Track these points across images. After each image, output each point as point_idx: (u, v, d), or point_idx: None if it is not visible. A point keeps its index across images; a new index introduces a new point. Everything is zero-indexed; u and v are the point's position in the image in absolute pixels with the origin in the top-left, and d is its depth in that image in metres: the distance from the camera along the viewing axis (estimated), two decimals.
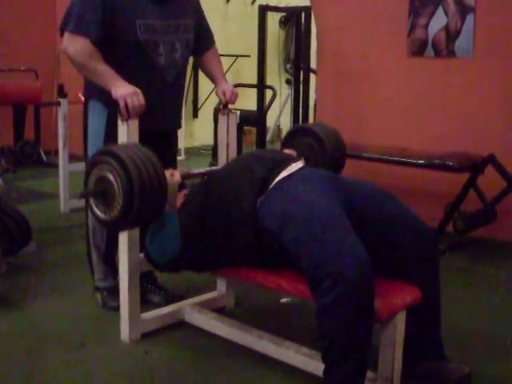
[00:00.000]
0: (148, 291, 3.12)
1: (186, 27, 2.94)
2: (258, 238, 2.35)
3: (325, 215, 2.18)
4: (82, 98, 5.08)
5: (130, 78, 2.70)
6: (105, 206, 2.31)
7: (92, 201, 2.37)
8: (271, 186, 2.38)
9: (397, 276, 2.36)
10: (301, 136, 2.99)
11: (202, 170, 2.98)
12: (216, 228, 2.46)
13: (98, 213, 2.35)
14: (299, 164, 2.52)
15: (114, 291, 3.00)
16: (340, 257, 2.03)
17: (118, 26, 2.75)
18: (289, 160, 2.54)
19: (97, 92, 2.82)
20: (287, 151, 2.90)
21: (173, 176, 2.51)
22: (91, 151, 2.83)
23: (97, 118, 2.91)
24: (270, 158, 2.52)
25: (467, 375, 2.40)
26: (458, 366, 2.41)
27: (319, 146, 2.92)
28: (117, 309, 2.87)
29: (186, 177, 2.71)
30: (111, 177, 2.25)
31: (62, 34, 2.78)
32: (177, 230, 2.48)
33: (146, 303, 3.00)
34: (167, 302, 3.02)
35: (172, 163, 3.11)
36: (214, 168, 2.93)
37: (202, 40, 3.11)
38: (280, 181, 2.40)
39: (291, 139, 3.02)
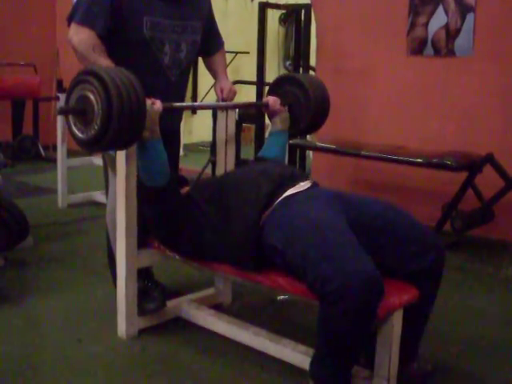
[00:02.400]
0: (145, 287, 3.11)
1: (194, 29, 2.93)
2: (260, 253, 2.35)
3: (332, 231, 2.17)
4: None
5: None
6: (83, 125, 2.34)
7: (71, 119, 2.40)
8: (277, 202, 2.37)
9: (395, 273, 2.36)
10: (286, 84, 3.03)
11: (185, 104, 3.01)
12: (215, 235, 2.47)
13: (76, 131, 2.38)
14: (307, 184, 2.51)
15: (144, 292, 2.95)
16: (348, 271, 2.01)
17: (124, 21, 2.73)
18: (296, 177, 2.52)
19: None
20: (271, 98, 2.95)
21: (154, 104, 2.53)
22: None
23: None
24: (278, 174, 2.50)
25: (429, 374, 2.44)
26: (421, 365, 2.45)
27: (304, 95, 2.95)
28: (153, 310, 2.88)
29: (169, 108, 2.72)
30: (92, 96, 2.28)
31: (68, 24, 2.77)
32: (163, 156, 2.55)
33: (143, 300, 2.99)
34: (164, 299, 3.01)
35: (175, 160, 3.11)
36: (196, 103, 2.95)
37: (210, 43, 3.10)
38: (286, 197, 2.39)
39: (277, 87, 3.06)
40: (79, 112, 2.34)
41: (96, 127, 2.28)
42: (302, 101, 2.96)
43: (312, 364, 2.22)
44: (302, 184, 2.48)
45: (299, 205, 2.34)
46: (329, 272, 2.03)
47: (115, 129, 2.26)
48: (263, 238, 2.32)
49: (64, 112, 2.41)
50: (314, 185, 2.55)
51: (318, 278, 2.06)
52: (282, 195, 2.39)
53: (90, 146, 2.39)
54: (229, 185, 2.56)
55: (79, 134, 2.37)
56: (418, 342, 2.46)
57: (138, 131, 2.39)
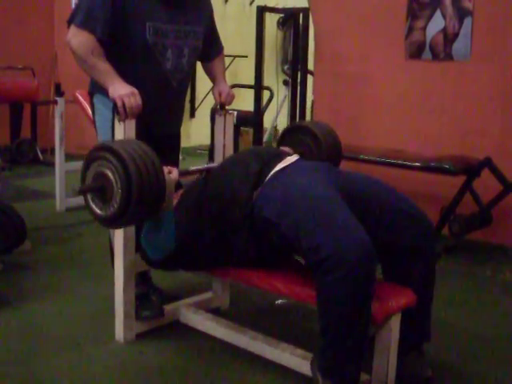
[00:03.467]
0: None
1: (196, 34, 2.92)
2: (255, 231, 2.35)
3: (324, 200, 2.19)
4: (79, 97, 5.14)
5: (135, 80, 2.68)
6: (102, 202, 2.30)
7: (89, 195, 2.36)
8: (267, 178, 2.38)
9: (391, 268, 2.39)
10: (297, 133, 2.98)
11: (200, 166, 2.96)
12: (212, 227, 2.46)
13: (95, 208, 2.34)
14: (294, 157, 2.53)
15: (143, 298, 2.95)
16: (342, 238, 2.04)
17: (127, 27, 2.73)
18: (284, 154, 2.56)
19: (101, 86, 2.79)
20: (284, 149, 2.91)
21: (171, 173, 2.51)
22: None
23: (103, 110, 2.87)
24: (265, 152, 2.53)
25: (429, 379, 2.43)
26: (422, 370, 2.44)
27: (315, 145, 2.91)
28: (149, 318, 2.87)
29: (184, 174, 2.70)
30: (110, 174, 2.24)
31: (68, 26, 2.76)
32: (172, 228, 2.48)
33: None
34: (162, 303, 3.01)
35: (174, 166, 3.10)
36: (211, 165, 2.92)
37: (211, 48, 3.10)
38: (276, 172, 2.40)
39: (288, 136, 3.02)
40: (97, 190, 2.30)
41: (116, 205, 2.25)
42: (314, 150, 2.91)
43: (317, 357, 2.20)
44: (289, 158, 2.50)
45: (289, 177, 2.36)
46: (323, 239, 2.05)
47: (135, 206, 2.23)
48: (256, 214, 2.32)
49: (83, 192, 2.36)
50: (301, 158, 2.58)
51: (312, 246, 2.07)
52: (271, 171, 2.40)
53: (110, 224, 2.37)
54: (219, 173, 2.56)
55: (98, 211, 2.33)
56: (422, 327, 2.46)
57: (159, 205, 2.35)
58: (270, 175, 2.40)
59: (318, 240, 2.06)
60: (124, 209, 2.23)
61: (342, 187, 2.34)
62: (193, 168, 2.82)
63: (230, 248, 2.45)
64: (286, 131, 3.07)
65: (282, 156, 2.51)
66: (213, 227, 2.46)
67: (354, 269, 2.00)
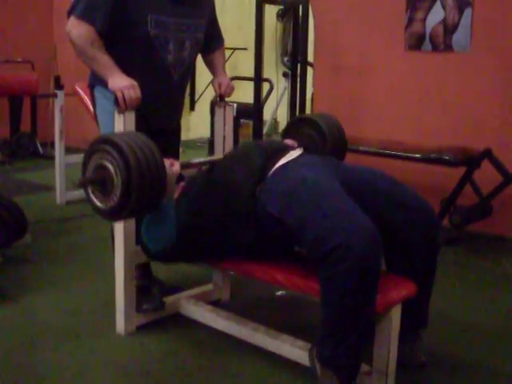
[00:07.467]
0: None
1: (198, 27, 2.91)
2: (258, 226, 2.34)
3: (328, 192, 2.19)
4: (79, 90, 5.13)
5: (136, 73, 2.67)
6: (102, 194, 2.29)
7: (89, 188, 2.34)
8: (270, 173, 2.38)
9: (393, 257, 2.39)
10: (302, 126, 2.95)
11: (202, 159, 2.95)
12: (214, 219, 2.46)
13: (95, 201, 2.33)
14: (298, 151, 2.53)
15: (144, 291, 2.95)
16: (349, 228, 2.03)
17: (128, 19, 2.71)
18: (287, 148, 2.55)
19: (102, 78, 2.77)
20: (288, 141, 2.89)
21: (172, 166, 2.51)
22: None
23: (105, 102, 2.85)
24: (268, 146, 2.53)
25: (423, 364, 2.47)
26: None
27: (320, 138, 2.89)
28: (150, 310, 2.87)
29: (186, 166, 2.69)
30: (110, 166, 2.22)
31: (68, 17, 2.74)
32: (172, 220, 2.48)
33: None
34: (162, 295, 3.01)
35: (175, 158, 3.10)
36: (213, 158, 2.91)
37: (212, 40, 3.10)
38: (279, 167, 2.40)
39: (292, 129, 2.99)
40: (98, 182, 2.28)
41: (116, 198, 2.23)
42: (319, 143, 2.88)
43: (317, 345, 2.20)
44: (292, 152, 2.50)
45: (292, 171, 2.35)
46: (330, 229, 2.05)
47: (136, 199, 2.21)
48: (260, 210, 2.32)
49: (83, 185, 2.34)
50: (305, 152, 2.57)
51: (318, 237, 2.06)
52: (274, 166, 2.40)
53: (110, 216, 2.36)
54: (221, 167, 2.56)
55: (98, 204, 2.31)
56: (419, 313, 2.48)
57: (160, 197, 2.33)
58: (272, 170, 2.39)
59: (325, 231, 2.06)
60: (124, 202, 2.22)
61: (345, 180, 2.33)
62: (194, 161, 2.81)
63: (231, 240, 2.45)
64: (291, 124, 3.05)
65: (285, 150, 2.51)
66: (215, 220, 2.46)
67: (362, 259, 2.00)
